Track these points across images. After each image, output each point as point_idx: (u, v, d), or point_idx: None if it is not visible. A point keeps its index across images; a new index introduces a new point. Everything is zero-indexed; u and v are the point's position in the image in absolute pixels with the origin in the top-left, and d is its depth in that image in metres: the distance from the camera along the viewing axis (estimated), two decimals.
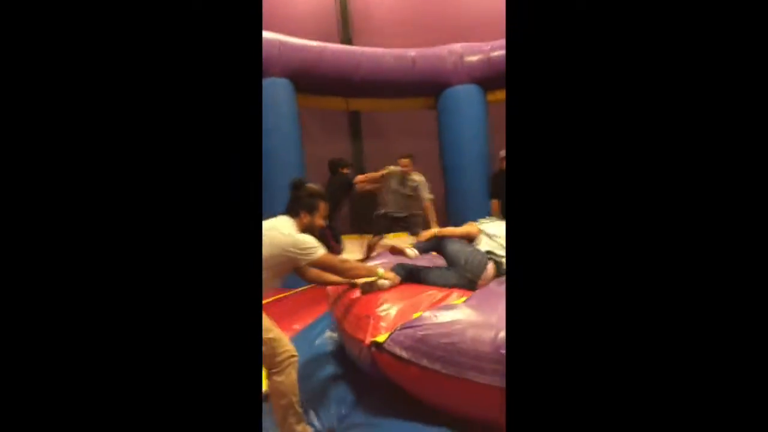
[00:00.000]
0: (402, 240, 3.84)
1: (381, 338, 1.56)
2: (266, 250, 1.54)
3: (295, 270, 1.81)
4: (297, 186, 1.83)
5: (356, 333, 1.70)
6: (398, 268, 2.05)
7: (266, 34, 3.85)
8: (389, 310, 1.71)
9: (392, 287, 1.92)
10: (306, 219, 1.76)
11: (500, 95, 4.85)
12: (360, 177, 4.16)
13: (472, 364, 1.44)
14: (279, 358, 1.57)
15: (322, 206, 1.81)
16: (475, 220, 2.58)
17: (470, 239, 2.31)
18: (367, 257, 3.76)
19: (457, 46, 4.70)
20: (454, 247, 2.13)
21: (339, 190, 3.91)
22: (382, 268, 1.99)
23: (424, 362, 1.47)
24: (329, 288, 2.32)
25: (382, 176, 4.09)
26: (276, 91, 3.93)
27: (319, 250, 1.69)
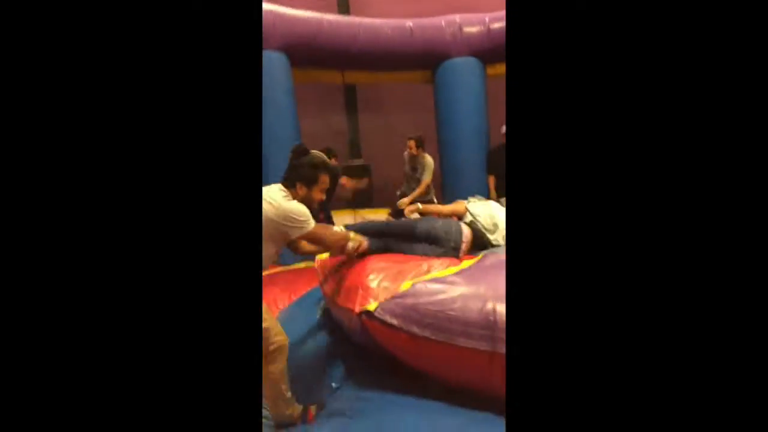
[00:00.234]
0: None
1: (371, 306, 1.58)
2: None
3: (288, 244, 1.71)
4: (298, 153, 1.65)
5: (346, 303, 1.71)
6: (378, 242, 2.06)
7: (263, 5, 3.76)
8: (377, 280, 1.72)
9: (358, 250, 1.90)
10: (302, 191, 1.62)
11: (500, 69, 4.77)
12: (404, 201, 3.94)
13: (461, 330, 1.46)
14: (272, 347, 1.55)
15: (323, 179, 1.65)
16: (464, 198, 2.60)
17: (458, 218, 2.35)
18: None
19: (456, 17, 4.60)
20: (427, 225, 2.14)
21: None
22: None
23: (414, 329, 1.50)
24: (317, 263, 2.31)
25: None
26: (272, 65, 3.86)
27: (311, 222, 1.59)
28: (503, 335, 1.43)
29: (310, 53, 4.18)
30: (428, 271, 1.77)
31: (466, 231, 2.16)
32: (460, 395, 1.54)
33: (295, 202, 1.59)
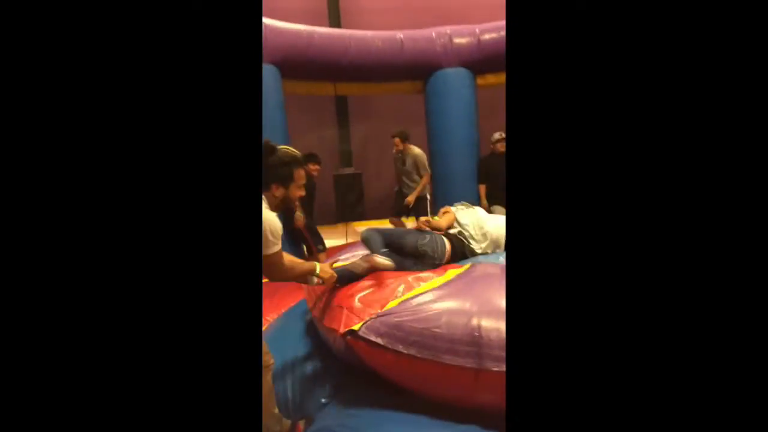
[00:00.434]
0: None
1: (356, 326, 1.57)
2: None
3: (298, 278, 1.63)
4: (268, 152, 1.50)
5: (331, 324, 1.70)
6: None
7: None
8: (362, 300, 1.71)
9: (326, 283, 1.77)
10: (279, 192, 1.50)
11: (490, 79, 4.82)
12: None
13: (447, 348, 1.46)
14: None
15: (298, 174, 1.53)
16: (450, 204, 2.61)
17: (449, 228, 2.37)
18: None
19: (446, 29, 4.64)
20: (413, 241, 2.17)
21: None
22: (323, 263, 1.84)
23: (400, 347, 1.49)
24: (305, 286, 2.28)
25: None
26: (263, 78, 3.87)
27: (275, 246, 1.43)
28: (489, 351, 1.43)
29: (302, 65, 4.21)
30: (414, 287, 1.76)
31: (448, 246, 2.24)
32: (448, 410, 1.53)
33: (273, 216, 1.46)
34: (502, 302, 1.54)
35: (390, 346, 1.50)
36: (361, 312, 1.62)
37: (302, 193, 1.57)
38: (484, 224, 2.37)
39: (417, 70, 4.65)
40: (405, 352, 1.48)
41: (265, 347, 1.59)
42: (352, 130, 6.09)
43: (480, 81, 4.78)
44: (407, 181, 4.21)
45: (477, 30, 4.61)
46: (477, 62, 4.59)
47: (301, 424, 1.66)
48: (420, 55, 4.54)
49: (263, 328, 2.56)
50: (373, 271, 1.89)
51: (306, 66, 4.23)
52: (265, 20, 4.00)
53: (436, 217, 2.49)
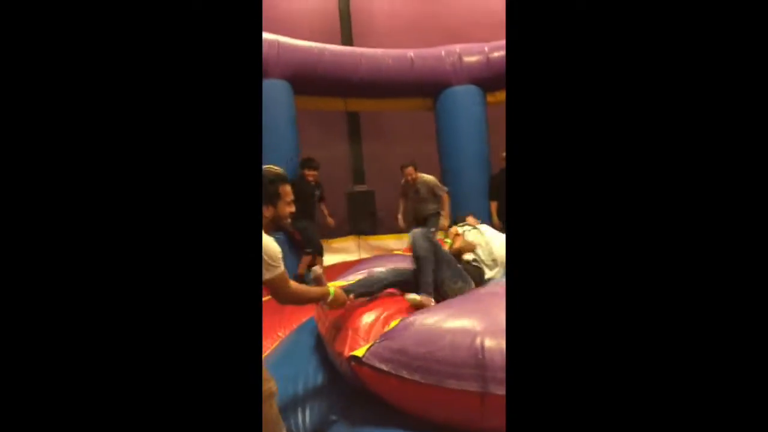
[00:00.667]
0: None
1: (359, 352, 1.56)
2: None
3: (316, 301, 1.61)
4: None
5: (337, 345, 1.70)
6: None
7: (265, 35, 3.86)
8: (368, 321, 1.70)
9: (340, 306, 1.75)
10: (269, 212, 1.47)
11: (500, 96, 4.83)
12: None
13: (450, 372, 1.44)
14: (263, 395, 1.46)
15: (284, 191, 1.49)
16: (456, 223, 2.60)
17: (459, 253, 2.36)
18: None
19: (456, 47, 4.69)
20: (449, 280, 2.13)
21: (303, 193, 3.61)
22: (339, 282, 1.84)
23: (404, 373, 1.47)
24: (316, 308, 2.27)
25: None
26: (274, 93, 3.94)
27: (276, 270, 1.39)
28: (493, 374, 1.41)
29: (313, 82, 4.27)
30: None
31: (473, 286, 2.18)
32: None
33: (269, 239, 1.42)
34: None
35: (394, 372, 1.48)
36: (367, 333, 1.62)
37: (292, 209, 1.54)
38: (492, 247, 2.36)
39: (427, 88, 4.69)
40: (409, 377, 1.47)
41: (266, 374, 1.56)
42: (364, 146, 6.13)
43: (490, 98, 4.80)
44: (422, 208, 4.16)
45: (486, 48, 4.65)
46: (486, 80, 4.62)
47: None
48: (430, 72, 4.58)
49: (275, 344, 2.56)
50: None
51: (317, 82, 4.30)
52: (278, 37, 4.09)
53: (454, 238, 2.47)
